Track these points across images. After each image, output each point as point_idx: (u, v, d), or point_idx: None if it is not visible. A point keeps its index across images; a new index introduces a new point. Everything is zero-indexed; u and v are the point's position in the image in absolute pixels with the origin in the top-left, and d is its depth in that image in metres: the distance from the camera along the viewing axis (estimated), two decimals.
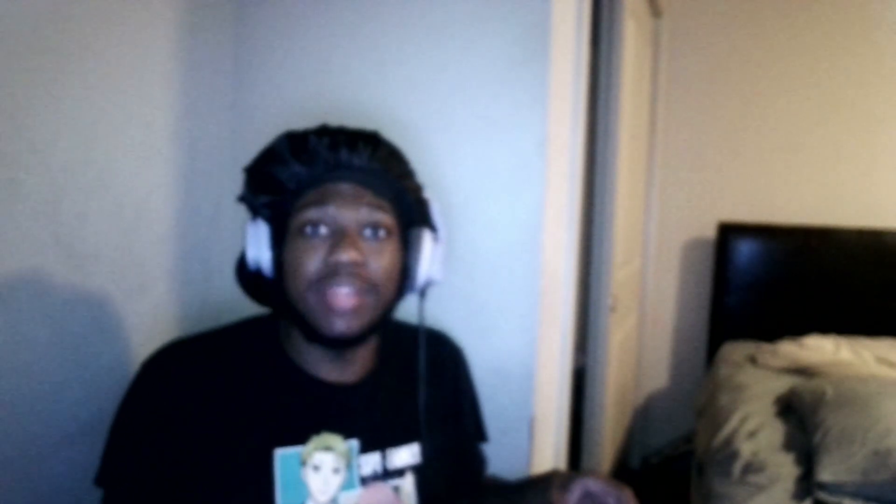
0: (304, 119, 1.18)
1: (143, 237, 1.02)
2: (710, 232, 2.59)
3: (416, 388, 0.78)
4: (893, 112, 2.46)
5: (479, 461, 0.91)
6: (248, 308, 1.21)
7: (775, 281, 2.49)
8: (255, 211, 0.71)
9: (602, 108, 2.01)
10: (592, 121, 1.97)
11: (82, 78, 0.90)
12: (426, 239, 0.72)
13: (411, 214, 0.73)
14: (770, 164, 2.58)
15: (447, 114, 1.10)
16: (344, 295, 0.65)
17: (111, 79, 0.94)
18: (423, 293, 0.76)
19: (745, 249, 2.51)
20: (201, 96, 1.13)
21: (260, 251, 0.69)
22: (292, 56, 1.18)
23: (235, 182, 1.22)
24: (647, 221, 2.67)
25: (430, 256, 0.72)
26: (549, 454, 1.22)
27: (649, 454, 2.73)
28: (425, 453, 0.77)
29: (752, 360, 2.22)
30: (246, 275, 0.74)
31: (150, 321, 1.04)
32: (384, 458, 0.73)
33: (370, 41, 1.13)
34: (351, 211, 0.67)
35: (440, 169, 1.10)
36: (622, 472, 2.57)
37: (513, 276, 1.10)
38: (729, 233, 2.53)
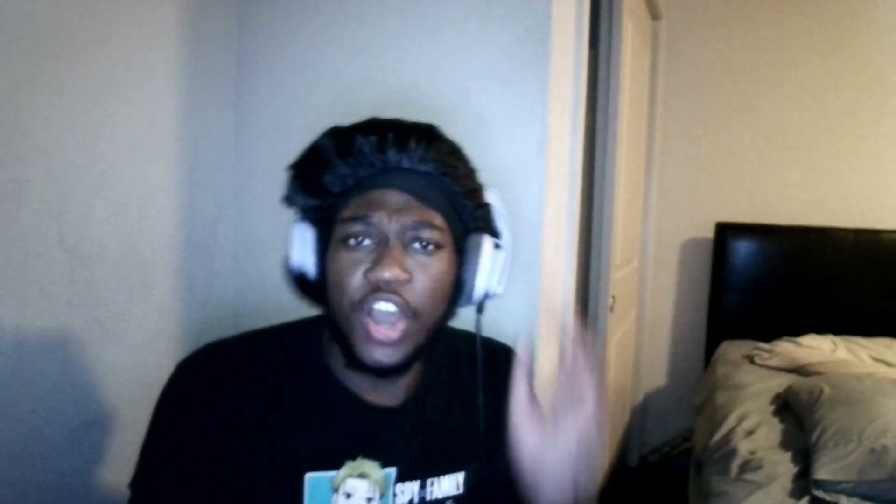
0: (304, 120, 1.19)
1: (146, 237, 1.03)
2: (709, 232, 2.60)
3: (468, 410, 0.72)
4: (891, 113, 2.48)
5: None
6: (251, 308, 1.22)
7: (773, 281, 2.50)
8: (301, 213, 0.66)
9: (601, 109, 2.02)
10: (592, 122, 1.98)
11: (86, 80, 0.90)
12: (485, 248, 0.65)
13: (469, 220, 0.66)
14: (767, 164, 2.59)
15: (447, 114, 1.11)
16: (385, 323, 0.60)
17: (114, 80, 0.95)
18: (480, 307, 0.69)
19: (742, 249, 2.52)
20: (204, 97, 1.14)
21: (305, 256, 0.64)
22: (293, 57, 1.19)
23: (238, 182, 1.23)
24: (646, 222, 2.68)
25: (488, 267, 0.66)
26: None
27: (648, 452, 2.74)
28: (469, 483, 0.71)
29: (750, 359, 2.23)
30: (292, 275, 0.68)
31: (153, 320, 1.05)
32: (423, 487, 0.69)
33: (371, 42, 1.14)
34: (396, 224, 0.61)
35: None
36: (621, 470, 2.58)
37: (513, 276, 1.10)
38: (727, 233, 2.54)
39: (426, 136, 0.64)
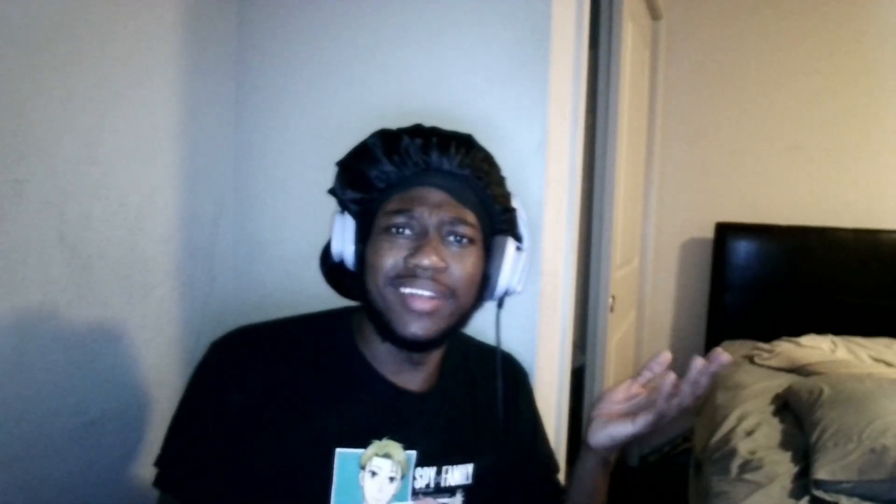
0: (303, 120, 1.19)
1: (146, 237, 1.03)
2: (708, 232, 2.61)
3: (478, 408, 0.77)
4: (891, 113, 2.48)
5: (556, 490, 0.86)
6: (251, 308, 1.22)
7: (772, 281, 2.51)
8: (344, 206, 0.71)
9: (601, 109, 2.02)
10: (592, 122, 1.98)
11: (86, 79, 0.90)
12: (509, 248, 0.72)
13: (497, 223, 0.73)
14: (767, 164, 2.59)
15: (448, 114, 1.11)
16: (422, 297, 0.65)
17: (115, 80, 0.95)
18: (500, 303, 0.75)
19: (742, 249, 2.53)
20: (204, 97, 1.14)
21: (345, 244, 0.70)
22: (293, 58, 1.19)
23: (238, 182, 1.23)
24: (646, 222, 2.68)
25: (511, 266, 0.72)
26: None
27: (647, 452, 2.74)
28: (478, 475, 0.76)
29: (750, 359, 2.23)
30: (329, 265, 0.74)
31: (153, 320, 1.05)
32: (439, 474, 0.73)
33: (371, 42, 1.14)
34: (436, 217, 0.67)
35: None
36: (621, 470, 2.58)
37: None
38: (727, 233, 2.54)
39: (465, 144, 0.71)
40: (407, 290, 0.65)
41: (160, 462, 0.69)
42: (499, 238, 0.73)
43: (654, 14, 2.52)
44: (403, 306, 0.65)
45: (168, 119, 1.06)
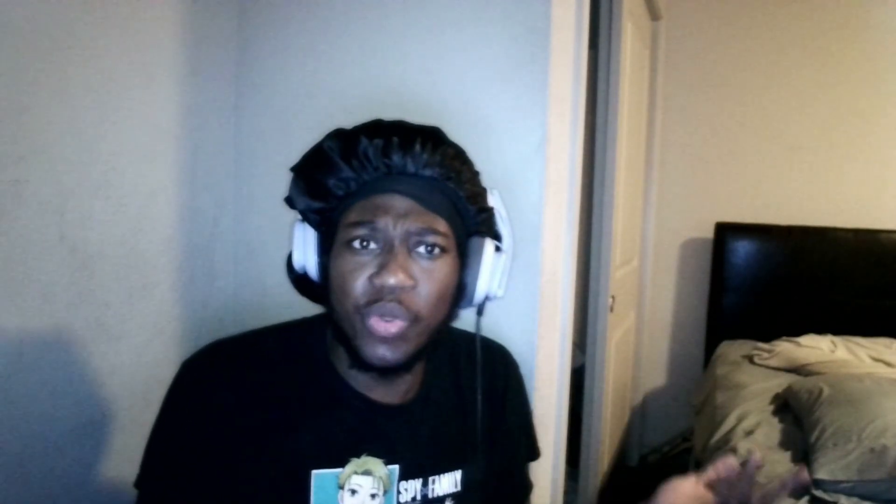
0: (304, 120, 1.19)
1: (147, 237, 1.03)
2: (708, 232, 2.61)
3: (466, 409, 0.74)
4: (891, 113, 2.48)
5: (523, 485, 0.84)
6: (251, 307, 1.22)
7: (772, 281, 2.51)
8: (303, 216, 0.66)
9: (601, 109, 2.02)
10: (591, 122, 1.98)
11: (87, 80, 0.90)
12: (487, 251, 0.66)
13: (471, 224, 0.67)
14: (767, 165, 2.59)
15: (447, 114, 1.11)
16: (387, 323, 0.61)
17: (116, 81, 0.95)
18: (480, 310, 0.70)
19: (742, 249, 2.53)
20: (204, 98, 1.14)
21: (306, 255, 0.65)
22: (294, 58, 1.19)
23: (238, 183, 1.24)
24: (646, 222, 2.68)
25: (490, 271, 0.66)
26: (548, 452, 1.23)
27: (647, 452, 2.74)
28: (466, 481, 0.73)
29: (750, 359, 2.23)
30: (295, 274, 0.69)
31: (153, 320, 1.05)
32: (425, 485, 0.70)
33: (371, 43, 1.14)
34: (401, 229, 0.61)
35: None
36: (620, 469, 2.59)
37: (512, 275, 1.10)
38: (726, 233, 2.54)
39: (431, 140, 0.64)
40: (373, 318, 0.60)
41: (139, 484, 0.67)
42: (475, 240, 0.67)
43: (654, 14, 2.52)
44: (369, 333, 0.61)
45: (168, 119, 1.06)
